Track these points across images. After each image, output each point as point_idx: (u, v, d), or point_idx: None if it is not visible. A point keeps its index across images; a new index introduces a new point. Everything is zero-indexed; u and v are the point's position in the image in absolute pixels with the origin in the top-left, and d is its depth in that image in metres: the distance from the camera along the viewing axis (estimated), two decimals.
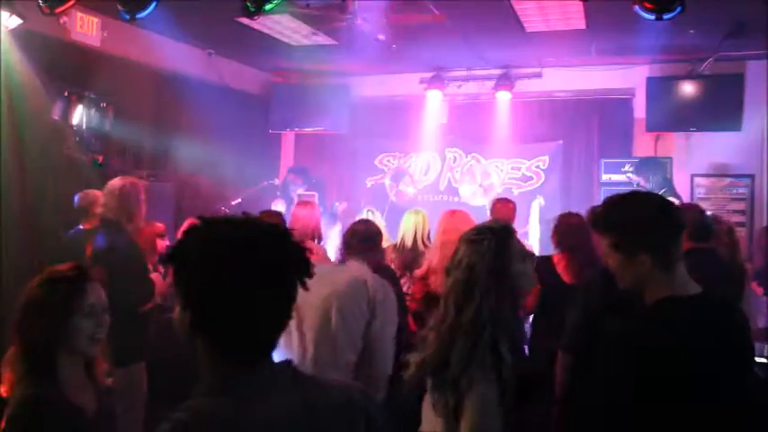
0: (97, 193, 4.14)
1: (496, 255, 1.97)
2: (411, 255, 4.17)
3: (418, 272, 3.74)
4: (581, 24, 5.69)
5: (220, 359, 1.20)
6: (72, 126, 5.27)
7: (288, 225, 2.92)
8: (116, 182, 3.72)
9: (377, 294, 2.73)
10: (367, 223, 4.08)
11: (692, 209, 3.71)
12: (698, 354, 1.76)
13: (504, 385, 1.87)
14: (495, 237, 2.01)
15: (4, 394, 1.88)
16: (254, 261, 1.18)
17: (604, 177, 6.89)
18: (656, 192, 5.27)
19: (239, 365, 1.20)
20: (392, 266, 4.31)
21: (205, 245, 1.20)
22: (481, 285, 1.93)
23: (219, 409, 1.16)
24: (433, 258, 3.66)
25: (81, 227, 4.41)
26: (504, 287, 1.96)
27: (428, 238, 4.27)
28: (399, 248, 4.36)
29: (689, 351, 1.76)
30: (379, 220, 4.73)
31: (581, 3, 4.28)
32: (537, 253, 5.27)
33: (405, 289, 3.99)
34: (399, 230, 4.45)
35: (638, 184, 6.27)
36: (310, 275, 1.23)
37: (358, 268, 2.96)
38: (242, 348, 1.21)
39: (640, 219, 1.88)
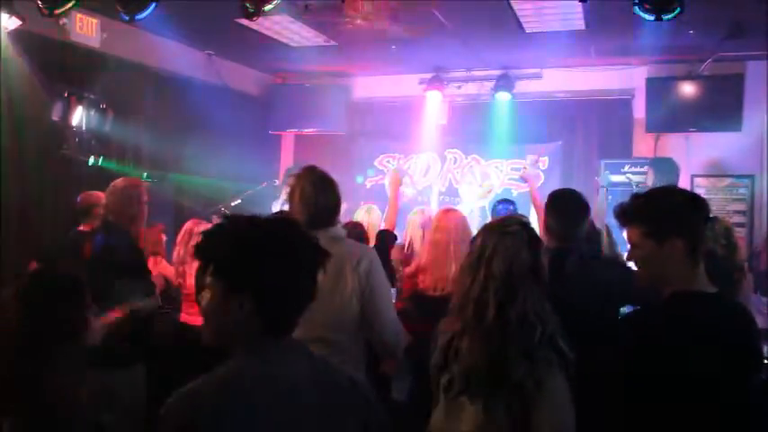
0: (98, 194, 4.14)
1: (533, 247, 1.84)
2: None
3: (407, 270, 3.72)
4: (580, 25, 5.69)
5: (260, 333, 1.42)
6: (72, 127, 5.27)
7: None
8: (119, 183, 3.71)
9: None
10: (354, 227, 4.06)
11: None
12: (710, 352, 1.77)
13: (571, 383, 1.76)
14: (526, 229, 1.87)
15: None
16: (300, 251, 1.45)
17: None
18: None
19: (273, 337, 1.44)
20: (399, 266, 4.29)
21: (267, 241, 1.43)
22: (523, 280, 1.79)
23: (248, 367, 1.39)
24: (422, 257, 3.64)
25: (79, 228, 4.40)
26: (542, 282, 1.84)
27: None
28: (407, 248, 4.34)
29: (703, 349, 1.77)
30: (377, 216, 4.70)
31: (580, 3, 4.28)
32: None
33: None
34: (406, 230, 4.43)
35: (637, 185, 6.27)
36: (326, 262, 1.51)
37: None
38: (284, 324, 1.46)
39: (673, 204, 1.94)
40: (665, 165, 6.50)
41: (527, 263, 1.80)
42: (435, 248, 3.54)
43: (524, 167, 5.09)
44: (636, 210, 1.98)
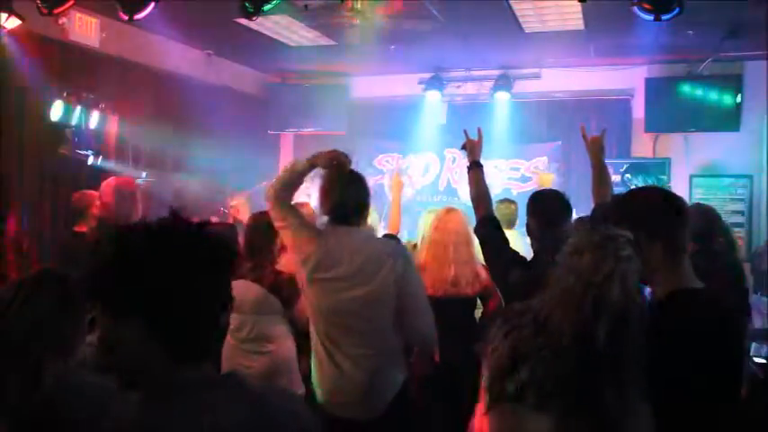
0: (93, 194, 4.14)
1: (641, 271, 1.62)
2: None
3: None
4: (579, 25, 5.70)
5: (168, 363, 1.18)
6: (71, 127, 5.27)
7: None
8: (110, 182, 3.71)
9: None
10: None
11: (694, 209, 3.74)
12: (700, 350, 1.77)
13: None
14: (635, 249, 1.62)
15: None
16: (199, 260, 1.19)
17: None
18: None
19: (189, 366, 1.20)
20: None
21: (152, 250, 1.18)
22: (634, 310, 1.56)
23: (163, 414, 1.15)
24: (420, 255, 3.61)
25: (75, 229, 4.38)
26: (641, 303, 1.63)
27: None
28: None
29: (694, 347, 1.77)
30: (374, 217, 4.64)
31: (579, 3, 4.28)
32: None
33: None
34: (419, 231, 4.38)
35: (635, 185, 6.28)
36: (234, 272, 1.29)
37: None
38: (193, 345, 1.20)
39: (648, 207, 1.93)
40: (647, 166, 6.57)
41: (639, 290, 1.60)
42: (435, 248, 3.53)
43: (536, 171, 5.06)
44: (615, 211, 1.99)
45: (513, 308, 1.75)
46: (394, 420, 2.57)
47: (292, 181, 2.72)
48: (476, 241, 3.28)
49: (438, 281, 3.46)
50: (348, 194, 2.63)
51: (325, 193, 2.65)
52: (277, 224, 2.72)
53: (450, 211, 3.74)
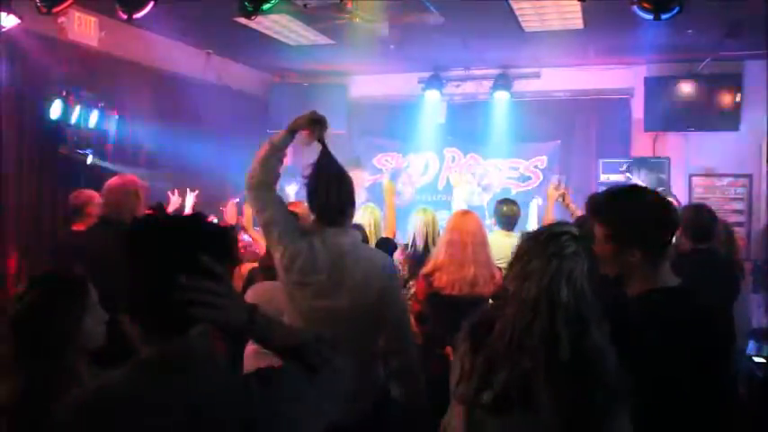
0: (92, 193, 4.13)
1: (591, 264, 1.59)
2: (424, 256, 4.00)
3: (424, 269, 3.71)
4: (579, 24, 5.70)
5: (141, 340, 1.28)
6: (70, 126, 5.26)
7: None
8: (116, 180, 3.70)
9: None
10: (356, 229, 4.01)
11: (691, 209, 3.77)
12: (677, 348, 1.76)
13: None
14: (582, 243, 1.59)
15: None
16: (184, 249, 1.27)
17: (603, 177, 6.91)
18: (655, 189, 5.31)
19: (153, 344, 1.28)
20: (401, 269, 4.24)
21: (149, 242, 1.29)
22: (591, 306, 1.55)
23: (124, 381, 1.26)
24: (438, 256, 3.64)
25: (73, 227, 4.37)
26: (599, 298, 1.61)
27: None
28: (411, 248, 4.27)
29: (677, 346, 1.76)
30: (378, 214, 4.63)
31: (579, 2, 4.28)
32: None
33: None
34: (408, 231, 4.39)
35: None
36: (233, 260, 1.34)
37: None
38: (152, 324, 1.28)
39: (637, 216, 1.89)
40: (648, 164, 6.56)
41: (591, 284, 1.57)
42: (453, 248, 3.55)
43: (553, 184, 5.07)
44: (602, 209, 1.97)
45: (482, 318, 1.71)
46: (380, 421, 2.54)
47: (274, 157, 2.57)
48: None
49: (457, 280, 3.50)
50: (332, 194, 2.50)
51: (311, 193, 2.54)
52: (259, 215, 2.57)
53: (466, 213, 3.81)
